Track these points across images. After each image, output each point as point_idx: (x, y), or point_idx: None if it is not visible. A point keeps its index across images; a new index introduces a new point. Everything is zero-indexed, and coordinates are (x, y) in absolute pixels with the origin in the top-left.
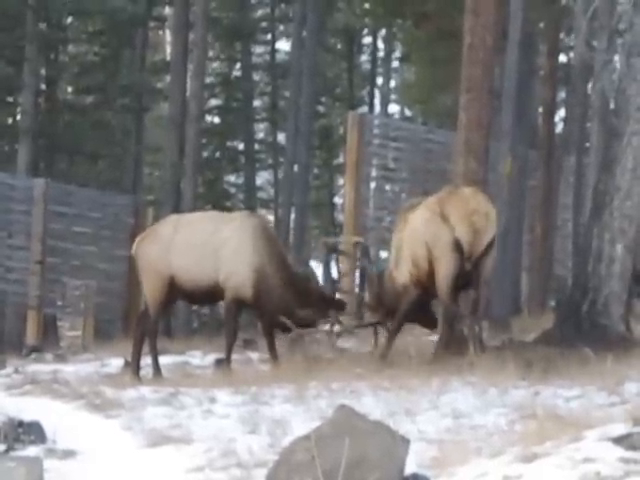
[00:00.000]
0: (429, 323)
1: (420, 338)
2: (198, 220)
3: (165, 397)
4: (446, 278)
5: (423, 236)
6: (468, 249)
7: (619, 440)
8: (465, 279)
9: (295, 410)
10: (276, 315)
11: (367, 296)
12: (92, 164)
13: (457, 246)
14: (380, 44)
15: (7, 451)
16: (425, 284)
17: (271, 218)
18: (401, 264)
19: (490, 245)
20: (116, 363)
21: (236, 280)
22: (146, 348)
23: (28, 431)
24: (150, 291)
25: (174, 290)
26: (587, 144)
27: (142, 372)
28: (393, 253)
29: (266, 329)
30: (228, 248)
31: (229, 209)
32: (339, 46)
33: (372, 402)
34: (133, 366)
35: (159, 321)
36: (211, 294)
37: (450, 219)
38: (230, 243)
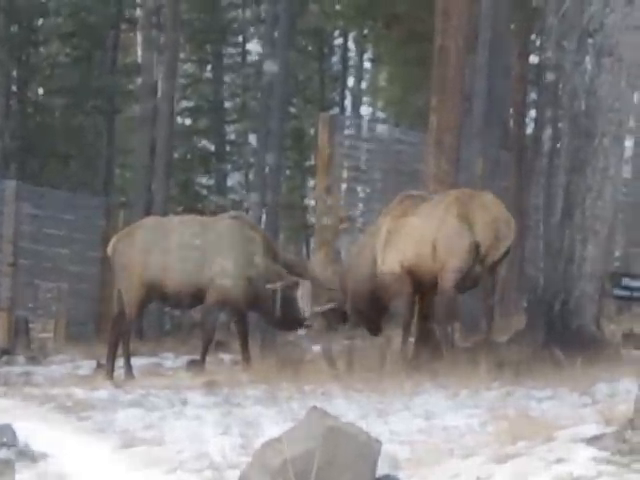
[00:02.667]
0: (373, 328)
1: (395, 340)
2: (181, 223)
3: (137, 399)
4: (454, 273)
5: (435, 233)
6: (485, 254)
7: (591, 441)
8: (472, 282)
9: (267, 412)
10: (273, 314)
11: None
12: (64, 166)
13: (475, 249)
14: (351, 45)
15: None
16: (417, 277)
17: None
18: (391, 252)
19: (506, 253)
20: (88, 365)
21: (224, 283)
22: (119, 350)
23: (0, 434)
24: (128, 293)
25: (152, 292)
26: (558, 145)
27: (115, 374)
28: (380, 239)
29: (241, 330)
30: (216, 251)
31: (200, 211)
32: (310, 47)
33: (344, 404)
34: (108, 367)
35: (134, 323)
36: (193, 297)
37: (472, 222)
38: (218, 246)
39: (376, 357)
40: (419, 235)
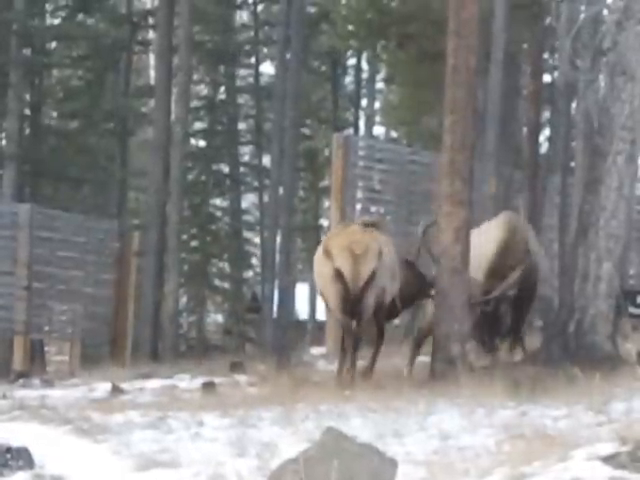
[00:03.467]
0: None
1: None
2: None
3: (153, 421)
4: (333, 306)
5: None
6: (350, 278)
7: (607, 459)
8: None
9: (283, 432)
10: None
11: None
12: (77, 189)
13: (338, 276)
14: (364, 66)
15: None
16: None
17: (257, 241)
18: None
19: (372, 276)
20: (103, 387)
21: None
22: (131, 372)
23: (16, 457)
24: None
25: None
26: (572, 164)
27: (129, 396)
28: None
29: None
30: None
31: (215, 233)
32: (323, 68)
33: (360, 424)
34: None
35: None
36: None
37: (332, 252)
38: None
39: (390, 376)
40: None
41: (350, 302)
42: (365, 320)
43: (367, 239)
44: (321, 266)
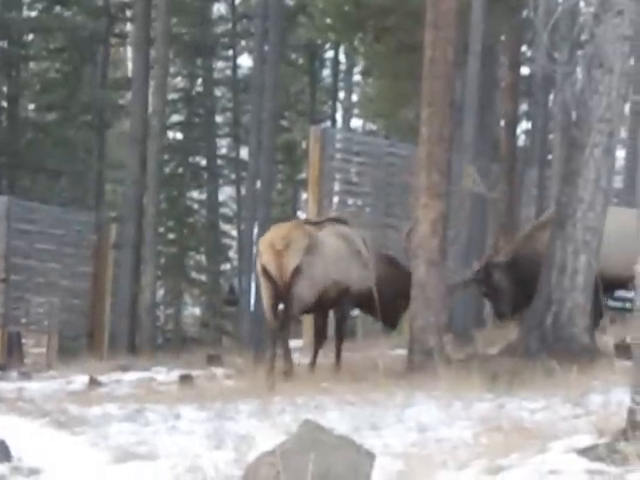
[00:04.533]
0: None
1: (385, 351)
2: None
3: (130, 414)
4: (264, 302)
5: None
6: (274, 274)
7: (585, 452)
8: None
9: (260, 425)
10: None
11: None
12: (54, 181)
13: (264, 272)
14: (342, 58)
15: None
16: None
17: (234, 233)
18: None
19: (298, 270)
20: (81, 380)
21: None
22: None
23: None
24: None
25: None
26: (549, 156)
27: (106, 389)
28: None
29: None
30: None
31: (192, 225)
32: (301, 61)
33: (337, 416)
34: None
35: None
36: None
37: (260, 250)
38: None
39: (367, 368)
40: None
41: (278, 297)
42: (295, 314)
43: (293, 234)
44: (256, 264)
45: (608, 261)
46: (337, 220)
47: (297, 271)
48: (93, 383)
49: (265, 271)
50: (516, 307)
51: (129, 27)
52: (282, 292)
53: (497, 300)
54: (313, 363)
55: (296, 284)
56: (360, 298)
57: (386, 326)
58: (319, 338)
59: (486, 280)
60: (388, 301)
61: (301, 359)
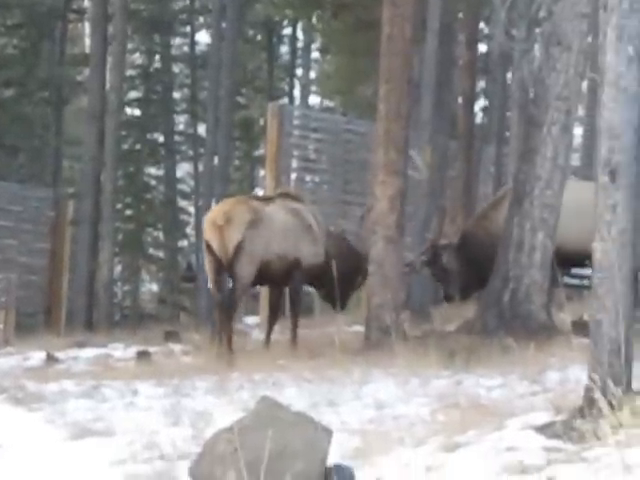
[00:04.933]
0: None
1: (342, 328)
2: None
3: (87, 390)
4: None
5: None
6: (217, 250)
7: (542, 429)
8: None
9: (218, 402)
10: None
11: None
12: (12, 157)
13: (207, 247)
14: (300, 35)
15: None
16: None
17: (192, 210)
18: None
19: (241, 245)
20: (38, 356)
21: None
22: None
23: None
24: None
25: None
26: (507, 134)
27: (63, 365)
28: None
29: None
30: None
31: (149, 202)
32: (259, 37)
33: (294, 393)
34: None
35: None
36: None
37: (204, 226)
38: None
39: (324, 345)
40: None
41: (221, 273)
42: (240, 290)
43: (235, 210)
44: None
45: (565, 237)
46: (288, 195)
47: (239, 247)
48: (50, 359)
49: (208, 247)
50: (466, 289)
51: (87, 3)
52: (225, 268)
53: (445, 282)
54: (268, 339)
55: (238, 260)
56: (312, 273)
57: (334, 304)
58: (273, 314)
59: (433, 262)
60: (338, 279)
61: (261, 335)
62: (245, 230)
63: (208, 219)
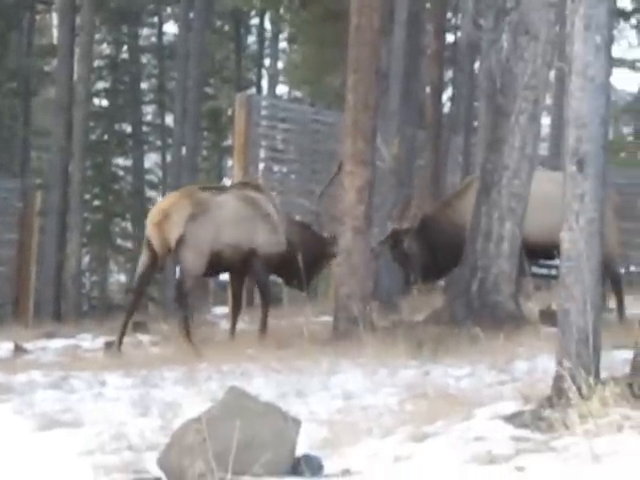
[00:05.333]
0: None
1: (310, 318)
2: None
3: (55, 381)
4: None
5: None
6: (156, 245)
7: (510, 418)
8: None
9: (186, 392)
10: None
11: None
12: None
13: (147, 243)
14: (267, 25)
15: None
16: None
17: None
18: None
19: (181, 240)
20: (6, 347)
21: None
22: (34, 332)
23: None
24: None
25: None
26: (475, 123)
27: (31, 356)
28: None
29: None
30: None
31: (117, 192)
32: (226, 28)
33: (263, 383)
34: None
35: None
36: None
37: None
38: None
39: (293, 335)
40: None
41: (153, 269)
42: (188, 285)
43: (174, 205)
44: None
45: (532, 227)
46: (247, 185)
47: (181, 241)
48: (18, 350)
49: (148, 242)
50: (426, 274)
51: None
52: (162, 264)
53: (407, 267)
54: (233, 329)
55: (183, 254)
56: (272, 263)
57: (301, 288)
58: (235, 304)
59: (394, 247)
60: (304, 267)
61: (227, 326)
62: (185, 224)
63: (149, 216)
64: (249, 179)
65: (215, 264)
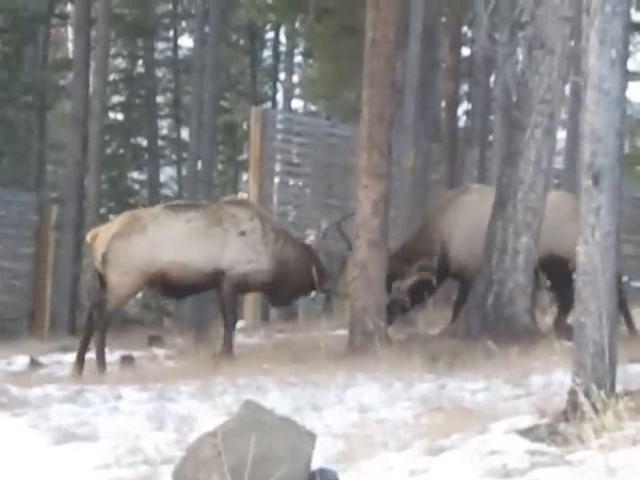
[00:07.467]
0: None
1: (326, 332)
2: None
3: (71, 395)
4: None
5: None
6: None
7: (525, 432)
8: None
9: (201, 406)
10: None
11: None
12: None
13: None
14: (283, 39)
15: None
16: None
17: None
18: None
19: (104, 259)
20: (22, 361)
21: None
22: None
23: None
24: None
25: None
26: (490, 137)
27: (47, 370)
28: None
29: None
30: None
31: (133, 206)
32: (242, 41)
33: (278, 397)
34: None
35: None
36: None
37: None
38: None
39: (308, 349)
40: None
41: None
42: (113, 305)
43: (107, 225)
44: None
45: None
46: (232, 201)
47: (104, 260)
48: (34, 364)
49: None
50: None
51: (70, 7)
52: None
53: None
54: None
55: (106, 272)
56: (250, 282)
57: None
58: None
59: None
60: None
61: (245, 339)
62: (108, 243)
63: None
64: (238, 197)
65: (168, 285)
